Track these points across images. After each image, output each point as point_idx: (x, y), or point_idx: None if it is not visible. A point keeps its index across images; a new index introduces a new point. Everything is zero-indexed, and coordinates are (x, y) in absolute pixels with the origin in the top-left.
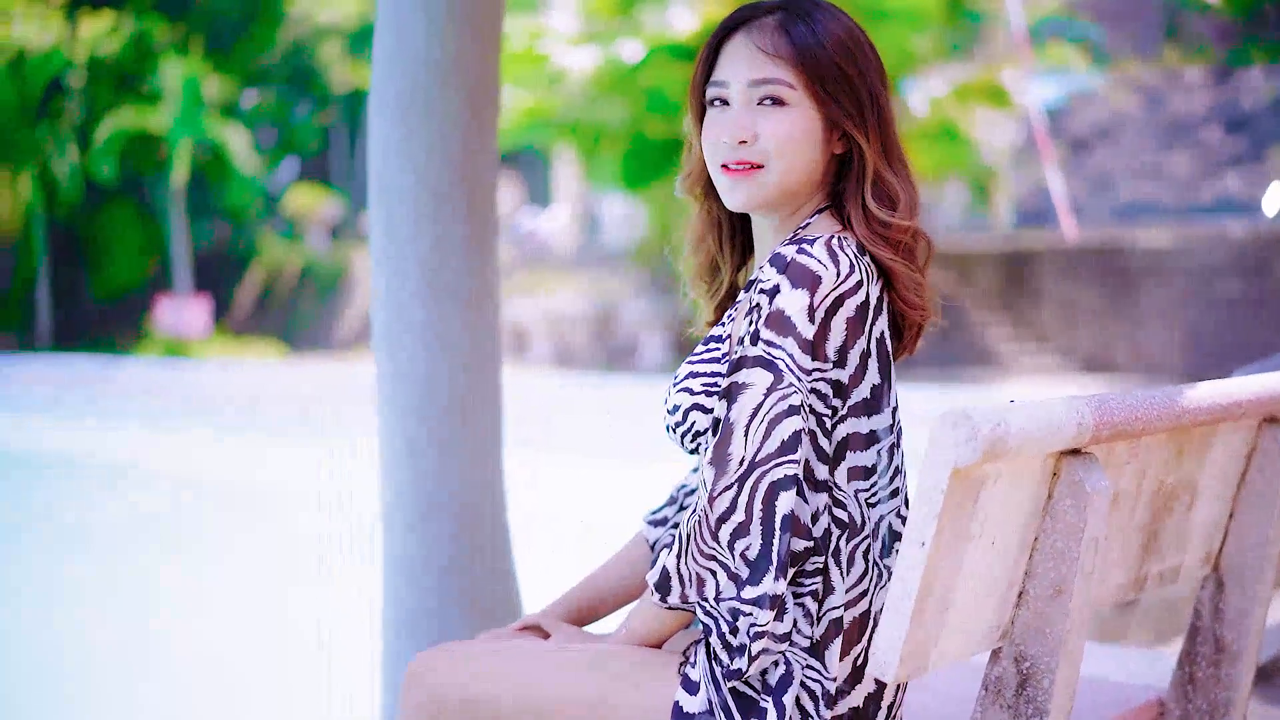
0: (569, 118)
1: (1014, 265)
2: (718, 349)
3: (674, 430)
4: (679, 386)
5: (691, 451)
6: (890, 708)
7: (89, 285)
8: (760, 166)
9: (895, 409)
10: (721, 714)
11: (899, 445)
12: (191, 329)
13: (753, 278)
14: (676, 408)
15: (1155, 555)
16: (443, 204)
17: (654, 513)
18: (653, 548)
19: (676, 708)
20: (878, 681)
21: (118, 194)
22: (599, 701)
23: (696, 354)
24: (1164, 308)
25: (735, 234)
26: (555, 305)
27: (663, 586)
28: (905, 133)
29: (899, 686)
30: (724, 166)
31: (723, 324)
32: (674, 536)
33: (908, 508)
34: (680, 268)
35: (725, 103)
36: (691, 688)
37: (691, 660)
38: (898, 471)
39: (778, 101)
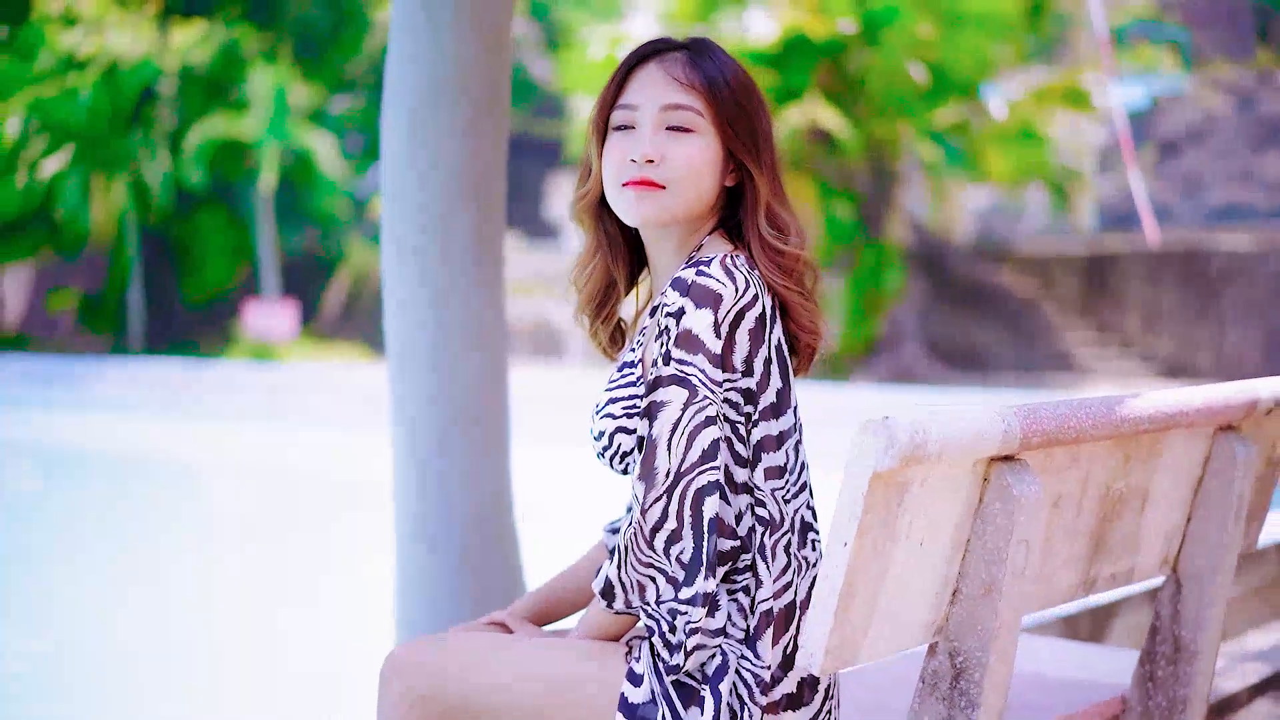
0: None
1: (1096, 269)
2: (632, 373)
3: (603, 455)
4: (602, 414)
5: (622, 472)
6: (826, 691)
7: (180, 290)
8: (662, 188)
9: (795, 408)
10: (664, 703)
11: (801, 442)
12: (279, 333)
13: (655, 303)
14: (602, 433)
15: (1106, 557)
16: (450, 212)
17: (613, 523)
18: (612, 554)
19: (623, 699)
20: None
21: (208, 200)
22: (553, 692)
23: (613, 381)
24: (1248, 311)
25: (627, 258)
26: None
27: (607, 594)
28: (984, 136)
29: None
30: (626, 183)
31: (633, 349)
32: (615, 548)
33: (814, 498)
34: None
35: (630, 127)
36: (636, 680)
37: (636, 654)
38: (804, 467)
39: (685, 129)
